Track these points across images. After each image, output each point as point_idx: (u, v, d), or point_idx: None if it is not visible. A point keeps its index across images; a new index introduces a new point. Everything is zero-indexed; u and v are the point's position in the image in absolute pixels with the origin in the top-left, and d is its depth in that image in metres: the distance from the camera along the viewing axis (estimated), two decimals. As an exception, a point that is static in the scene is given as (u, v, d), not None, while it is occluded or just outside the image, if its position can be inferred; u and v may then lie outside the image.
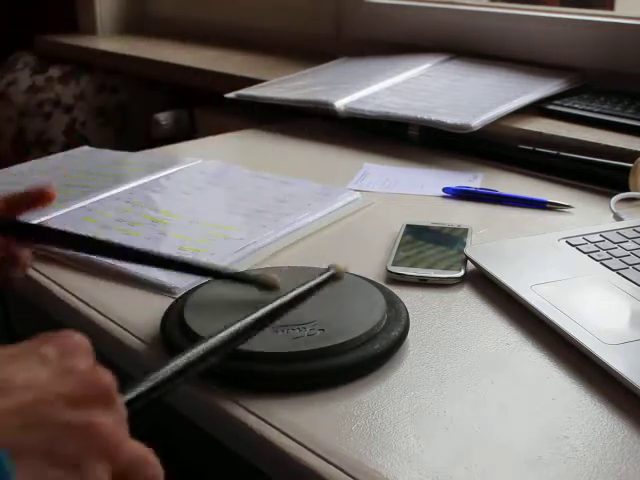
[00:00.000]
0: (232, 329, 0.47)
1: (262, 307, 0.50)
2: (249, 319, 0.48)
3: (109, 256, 0.65)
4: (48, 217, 0.78)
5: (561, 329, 0.56)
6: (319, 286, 0.55)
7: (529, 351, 0.56)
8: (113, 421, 0.35)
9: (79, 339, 0.38)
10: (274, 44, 1.58)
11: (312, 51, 1.49)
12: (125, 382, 0.39)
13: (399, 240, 0.73)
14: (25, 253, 0.62)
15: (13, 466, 0.31)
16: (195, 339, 0.53)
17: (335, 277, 0.57)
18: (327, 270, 0.57)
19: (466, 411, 0.49)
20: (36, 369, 0.35)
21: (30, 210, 0.61)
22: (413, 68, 1.25)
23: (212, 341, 0.45)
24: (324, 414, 0.49)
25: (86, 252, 0.65)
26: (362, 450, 0.46)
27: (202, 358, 0.44)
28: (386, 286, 0.63)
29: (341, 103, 1.11)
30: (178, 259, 0.62)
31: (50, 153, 1.04)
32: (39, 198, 0.61)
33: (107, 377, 0.37)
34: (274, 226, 0.76)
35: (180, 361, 0.42)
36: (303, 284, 0.54)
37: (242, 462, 0.50)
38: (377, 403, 0.50)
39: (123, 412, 0.37)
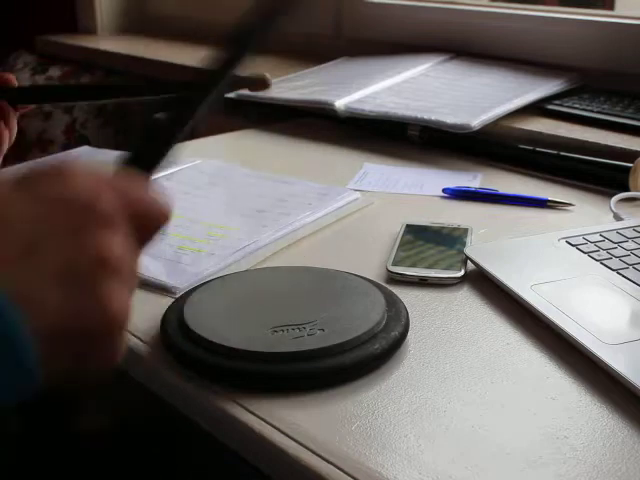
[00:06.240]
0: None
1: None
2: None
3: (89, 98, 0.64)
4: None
5: (561, 329, 0.56)
6: None
7: (529, 351, 0.56)
8: (119, 244, 0.35)
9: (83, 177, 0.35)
10: (274, 44, 1.58)
11: (312, 51, 1.49)
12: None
13: (399, 240, 0.73)
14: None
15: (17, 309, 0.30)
16: (195, 339, 0.54)
17: None
18: None
19: (466, 411, 0.49)
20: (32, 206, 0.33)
21: None
22: (413, 68, 1.25)
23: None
24: (324, 414, 0.49)
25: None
26: (362, 450, 0.46)
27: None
28: (386, 286, 0.63)
29: (341, 103, 1.11)
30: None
31: (50, 153, 1.04)
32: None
33: (111, 200, 0.35)
34: (274, 226, 0.76)
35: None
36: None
37: (242, 462, 0.50)
38: (377, 403, 0.50)
39: (127, 239, 0.36)
